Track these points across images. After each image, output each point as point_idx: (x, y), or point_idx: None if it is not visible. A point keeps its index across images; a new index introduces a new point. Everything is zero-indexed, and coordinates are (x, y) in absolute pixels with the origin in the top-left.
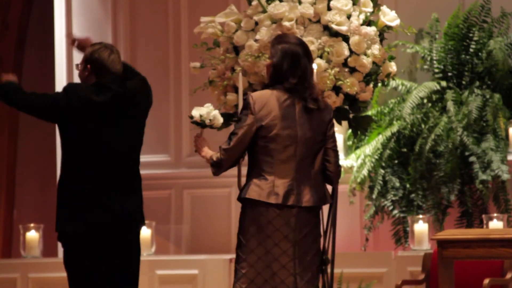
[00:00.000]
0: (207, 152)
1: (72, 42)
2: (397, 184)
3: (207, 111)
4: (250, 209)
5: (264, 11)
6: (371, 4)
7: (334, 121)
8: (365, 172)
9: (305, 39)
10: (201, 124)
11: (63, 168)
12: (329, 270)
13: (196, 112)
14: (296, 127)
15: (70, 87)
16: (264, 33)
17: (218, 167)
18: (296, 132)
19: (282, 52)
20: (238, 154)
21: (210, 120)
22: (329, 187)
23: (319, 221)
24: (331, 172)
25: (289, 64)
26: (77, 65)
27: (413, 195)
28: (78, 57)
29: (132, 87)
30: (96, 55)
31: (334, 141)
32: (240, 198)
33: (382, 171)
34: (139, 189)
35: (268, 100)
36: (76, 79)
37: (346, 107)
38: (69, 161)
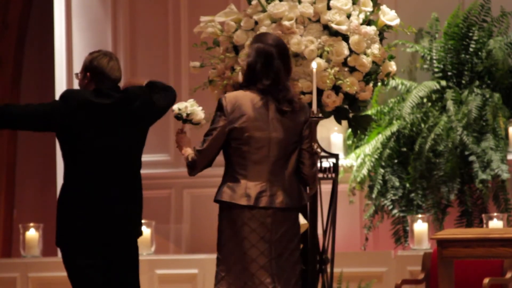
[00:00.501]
0: (186, 151)
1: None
2: (397, 184)
3: (186, 105)
4: (226, 211)
5: (264, 11)
6: (371, 4)
7: (334, 120)
8: (364, 171)
9: (304, 39)
10: (179, 118)
11: (64, 176)
12: (328, 270)
13: (176, 106)
14: (269, 129)
15: (67, 93)
16: None
17: (192, 168)
18: (269, 134)
19: (256, 52)
20: (212, 156)
21: (187, 114)
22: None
23: (296, 221)
24: (305, 175)
25: (262, 65)
26: (76, 74)
27: (412, 194)
28: (77, 57)
29: (133, 92)
30: (95, 62)
31: (310, 141)
32: (215, 200)
33: (381, 170)
34: (140, 195)
35: (241, 102)
36: (76, 80)
37: (346, 106)
38: (70, 168)
